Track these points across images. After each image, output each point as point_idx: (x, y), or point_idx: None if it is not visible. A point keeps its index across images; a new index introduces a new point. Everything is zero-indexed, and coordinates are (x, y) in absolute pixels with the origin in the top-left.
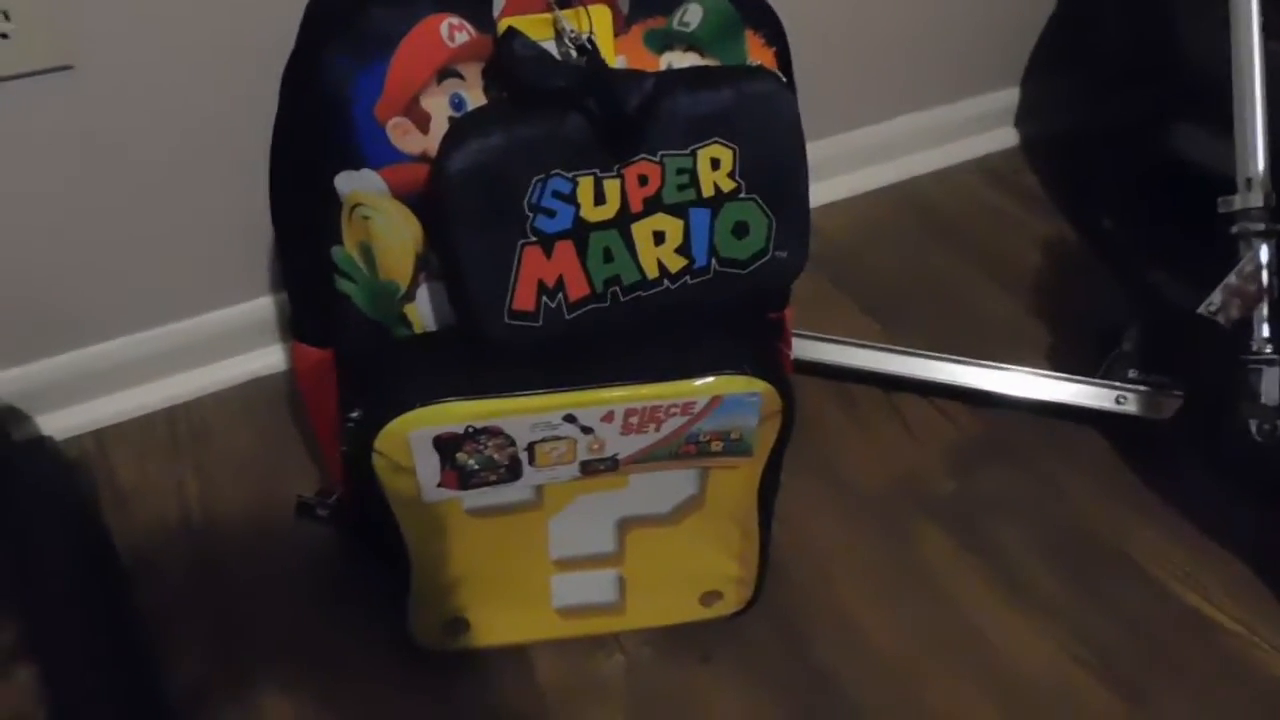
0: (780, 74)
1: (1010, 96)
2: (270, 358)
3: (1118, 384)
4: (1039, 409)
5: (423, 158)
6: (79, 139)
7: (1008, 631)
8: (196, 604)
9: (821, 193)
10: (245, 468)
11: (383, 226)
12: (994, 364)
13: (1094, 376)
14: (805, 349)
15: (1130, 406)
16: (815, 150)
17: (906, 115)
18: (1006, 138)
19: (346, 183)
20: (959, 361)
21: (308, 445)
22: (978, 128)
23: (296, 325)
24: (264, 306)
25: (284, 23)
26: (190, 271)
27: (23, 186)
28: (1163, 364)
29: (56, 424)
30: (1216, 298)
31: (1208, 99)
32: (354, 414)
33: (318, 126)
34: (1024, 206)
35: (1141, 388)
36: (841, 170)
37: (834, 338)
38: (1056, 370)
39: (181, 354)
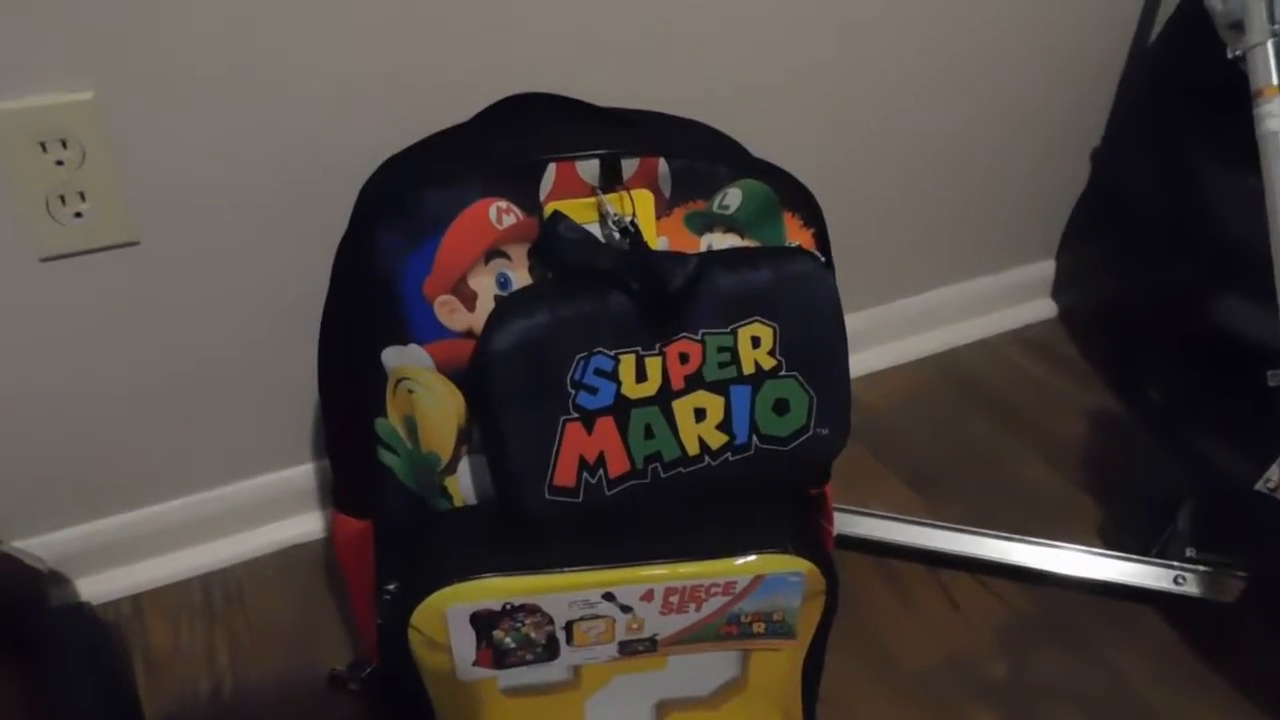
0: (818, 254)
1: (1048, 267)
2: (309, 524)
3: (1175, 564)
4: (1093, 588)
5: (468, 334)
6: (138, 309)
7: None
8: None
9: (862, 363)
10: (279, 636)
11: (427, 400)
12: (1044, 541)
13: (1148, 554)
14: (848, 524)
15: (1190, 588)
16: (855, 321)
17: (946, 287)
18: (1046, 308)
19: (393, 357)
20: (1008, 538)
21: (343, 615)
22: (1017, 298)
23: (337, 495)
24: (305, 473)
25: (339, 202)
26: (235, 437)
27: (81, 355)
28: (1222, 541)
29: (96, 588)
30: (1275, 474)
31: (1246, 268)
32: (390, 586)
33: (368, 302)
34: (1066, 377)
35: (1201, 568)
36: (881, 341)
37: (878, 513)
38: (1108, 547)
39: (221, 519)
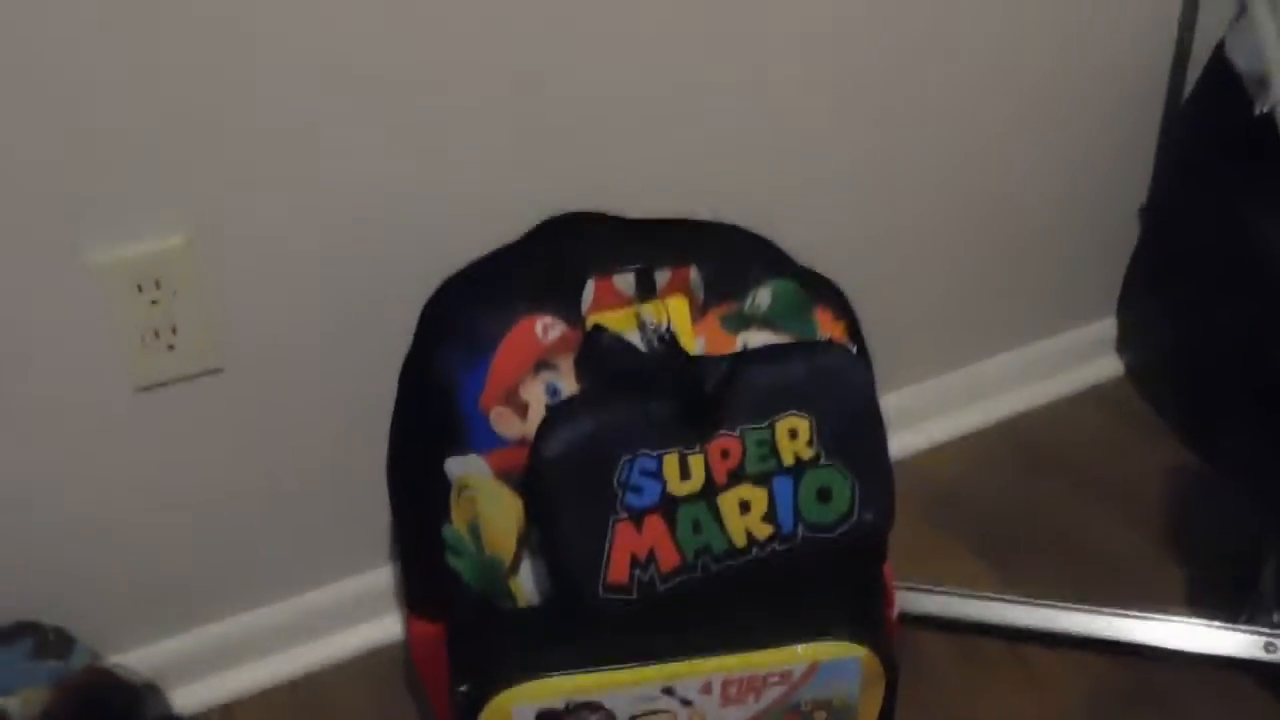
0: (850, 345)
1: (1109, 326)
2: (390, 627)
3: (1263, 630)
4: (1179, 659)
5: (522, 442)
6: (223, 429)
7: None
8: None
9: (924, 437)
10: None
11: (488, 505)
12: (1124, 611)
13: (1236, 618)
14: (918, 602)
15: None
16: (914, 395)
17: (1008, 351)
18: (1111, 366)
19: (455, 466)
20: (1085, 610)
21: (423, 716)
22: (1079, 359)
23: (411, 599)
24: (383, 576)
25: (401, 326)
26: (315, 545)
27: (172, 475)
28: None
29: (188, 699)
30: None
31: None
32: (463, 688)
33: (430, 416)
34: (1137, 434)
35: None
36: (943, 413)
37: (949, 589)
38: (1194, 610)
39: (305, 626)
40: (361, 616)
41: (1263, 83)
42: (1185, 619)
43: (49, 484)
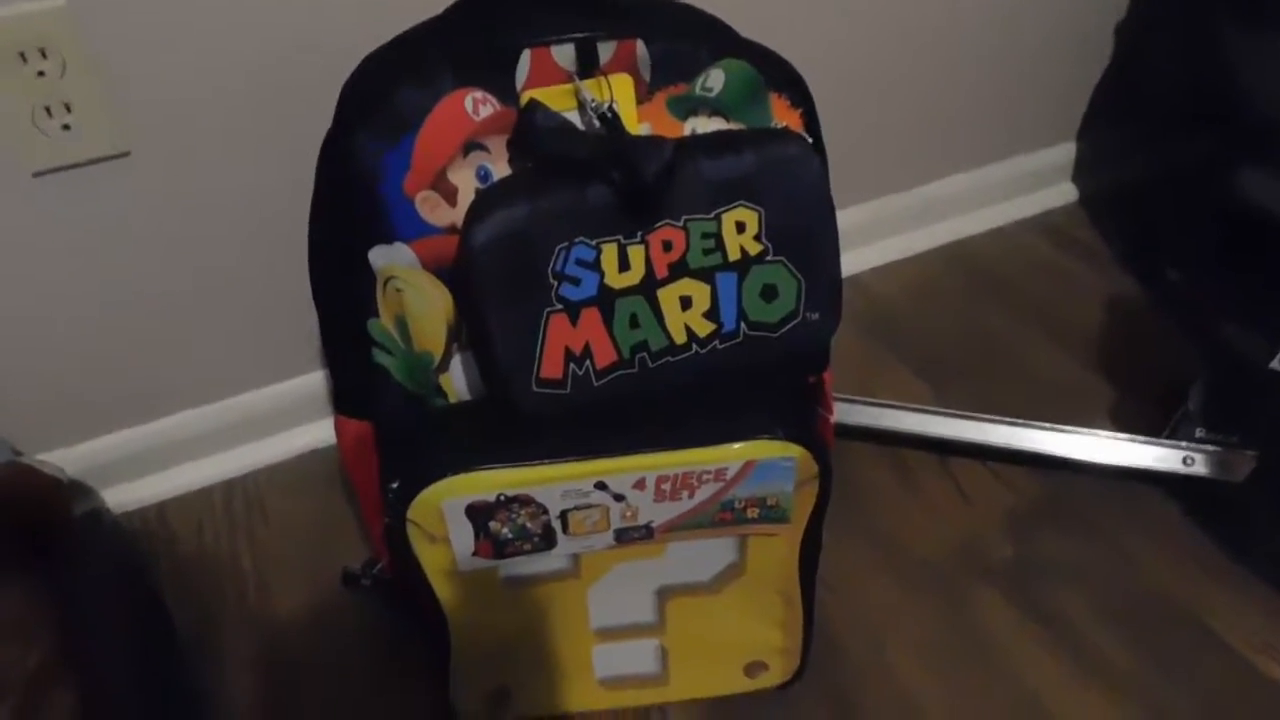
0: (806, 135)
1: (1067, 151)
2: (325, 431)
3: (1184, 444)
4: (1102, 472)
5: (451, 230)
6: (134, 223)
7: (1075, 706)
8: (247, 673)
9: (873, 254)
10: (298, 539)
11: (415, 299)
12: (1051, 425)
13: (1160, 437)
14: (854, 414)
15: (1199, 468)
16: (865, 211)
17: (960, 174)
18: (1065, 193)
19: (379, 257)
20: (1014, 424)
21: (357, 517)
22: (1034, 184)
23: (337, 398)
24: (316, 381)
25: (322, 106)
26: (244, 348)
27: (84, 270)
28: (1234, 422)
29: (121, 497)
30: None
31: (1272, 142)
32: (394, 485)
33: (351, 203)
34: (1085, 263)
35: (1210, 448)
36: (893, 231)
37: (883, 402)
38: (1121, 431)
39: (238, 429)
40: (296, 420)
41: None
42: (1111, 433)
43: None
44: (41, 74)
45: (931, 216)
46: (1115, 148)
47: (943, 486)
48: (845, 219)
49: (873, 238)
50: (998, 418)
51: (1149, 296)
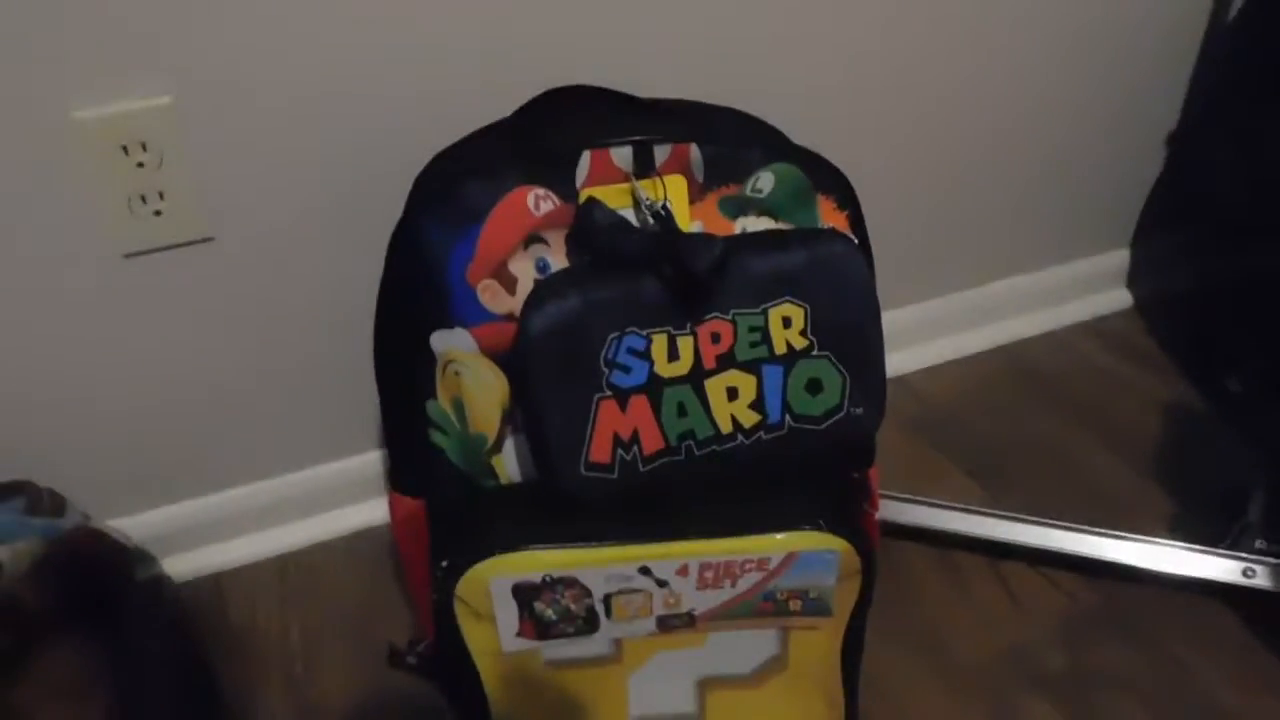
0: (852, 236)
1: (1122, 257)
2: (376, 511)
3: (1245, 555)
4: (1159, 581)
5: (509, 317)
6: (213, 302)
7: None
8: None
9: (926, 355)
10: (346, 616)
11: (473, 382)
12: (1107, 531)
13: (1218, 546)
14: (904, 513)
15: (1260, 580)
16: (919, 311)
17: (1014, 277)
18: (1119, 299)
19: (441, 341)
20: (1069, 528)
21: (405, 595)
22: (1088, 289)
23: (393, 475)
24: (372, 461)
25: (392, 196)
26: (305, 426)
27: (161, 346)
28: None
29: (179, 566)
30: None
31: None
32: (443, 563)
33: (416, 289)
34: (1139, 368)
35: (1272, 560)
36: (945, 333)
37: (934, 501)
38: (1177, 539)
39: (294, 505)
40: (351, 498)
41: None
42: (1167, 542)
43: (36, 349)
44: (140, 165)
45: (985, 318)
46: (1170, 255)
47: (993, 590)
48: (899, 318)
49: (925, 338)
50: (1052, 521)
51: (1206, 403)
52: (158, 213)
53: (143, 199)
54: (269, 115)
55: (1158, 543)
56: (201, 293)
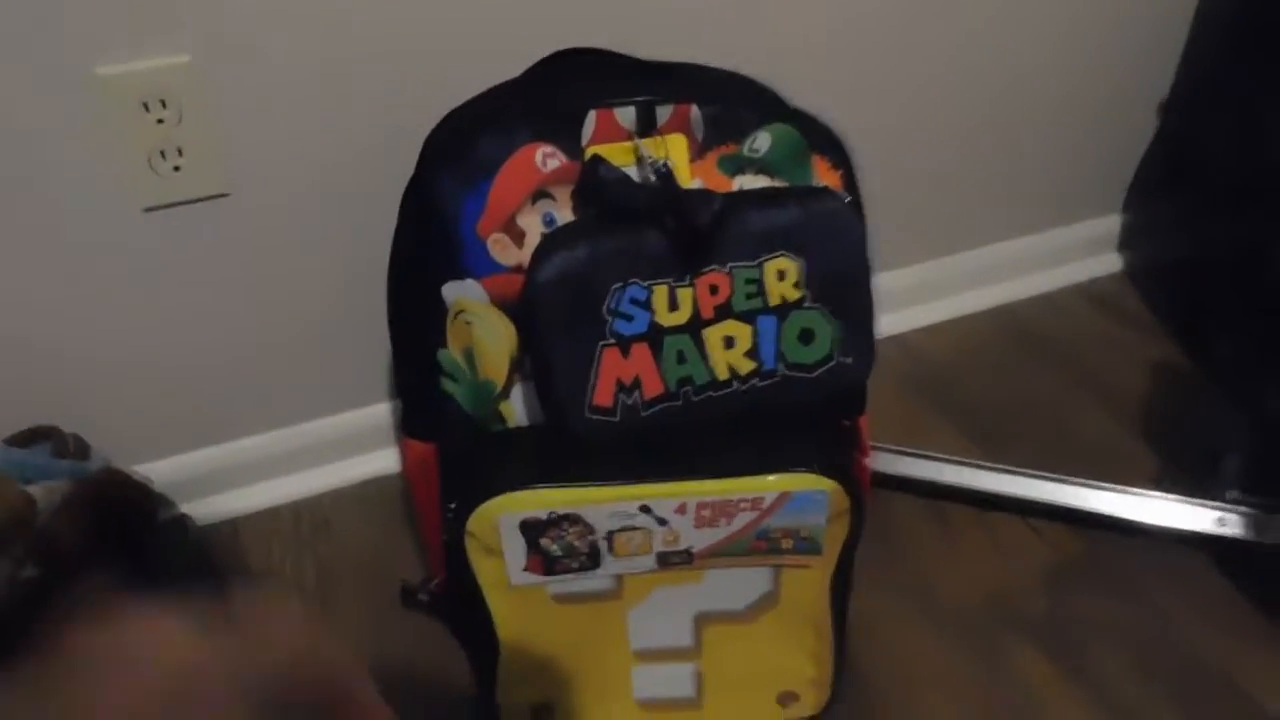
0: (844, 193)
1: (1114, 221)
2: (389, 459)
3: (1219, 505)
4: (1138, 531)
5: (518, 269)
6: (228, 255)
7: None
8: None
9: (923, 315)
10: (359, 558)
11: (483, 331)
12: (1088, 482)
13: (1194, 496)
14: (896, 464)
15: (1232, 529)
16: (917, 273)
17: (1010, 240)
18: (1112, 262)
19: (452, 291)
20: (1051, 479)
21: (415, 540)
22: (1082, 253)
23: (406, 422)
24: (384, 411)
25: (405, 153)
26: (320, 375)
27: (179, 298)
28: (1271, 488)
29: (196, 512)
30: None
31: None
32: (453, 505)
33: (429, 241)
34: (1131, 330)
35: (1244, 509)
36: (943, 294)
37: (924, 453)
38: (1159, 492)
39: (308, 453)
40: (363, 447)
41: None
42: (1147, 492)
43: (59, 300)
44: (160, 121)
45: (982, 280)
46: (1161, 221)
47: (980, 539)
48: (899, 279)
49: (923, 299)
50: (1035, 472)
51: (1194, 365)
52: (176, 168)
53: (162, 154)
54: (284, 74)
55: (1137, 493)
56: (218, 247)
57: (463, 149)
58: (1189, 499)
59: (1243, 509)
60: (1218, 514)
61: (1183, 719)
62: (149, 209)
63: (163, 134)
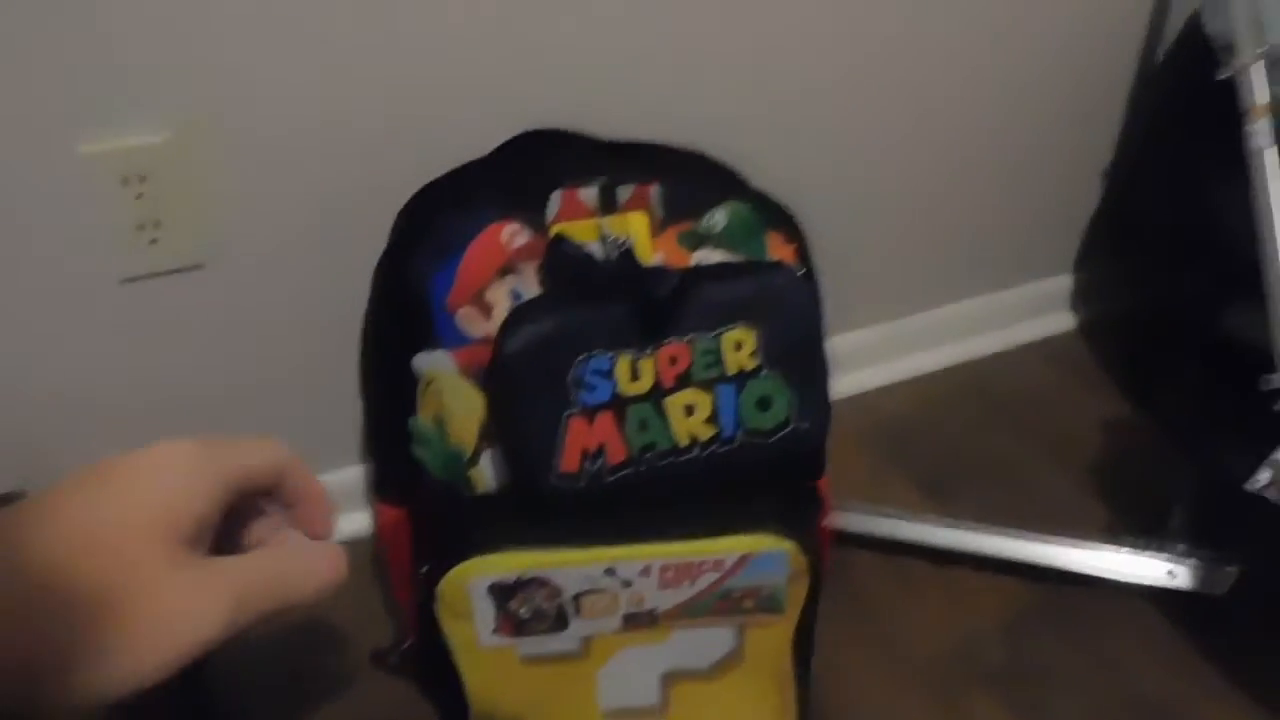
0: (799, 266)
1: (1067, 281)
2: (361, 522)
3: (1168, 557)
4: (1093, 583)
5: (486, 340)
6: (202, 324)
7: None
8: None
9: (882, 374)
10: (331, 620)
11: (453, 399)
12: (1043, 536)
13: (1146, 549)
14: (857, 522)
15: (1182, 580)
16: (874, 334)
17: (965, 300)
18: (1065, 321)
19: (423, 362)
20: (1007, 533)
21: (387, 602)
22: (1037, 311)
23: (379, 486)
24: (355, 476)
25: (376, 229)
26: (292, 441)
27: (155, 365)
28: (1217, 538)
29: None
30: (1264, 474)
31: (1252, 279)
32: (424, 568)
33: (400, 315)
34: (1084, 387)
35: (1192, 562)
36: (901, 354)
37: (884, 510)
38: (1110, 545)
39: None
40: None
41: (1229, 49)
42: (1099, 545)
43: (36, 367)
44: (140, 196)
45: (938, 340)
46: (1110, 280)
47: (939, 592)
48: (859, 339)
49: (881, 359)
50: (990, 527)
51: (1142, 419)
52: (154, 241)
53: (139, 227)
54: (259, 151)
55: (1090, 546)
56: (192, 316)
57: (433, 226)
58: (1140, 551)
59: (1191, 561)
60: (1168, 566)
61: None
62: (126, 280)
63: (142, 208)
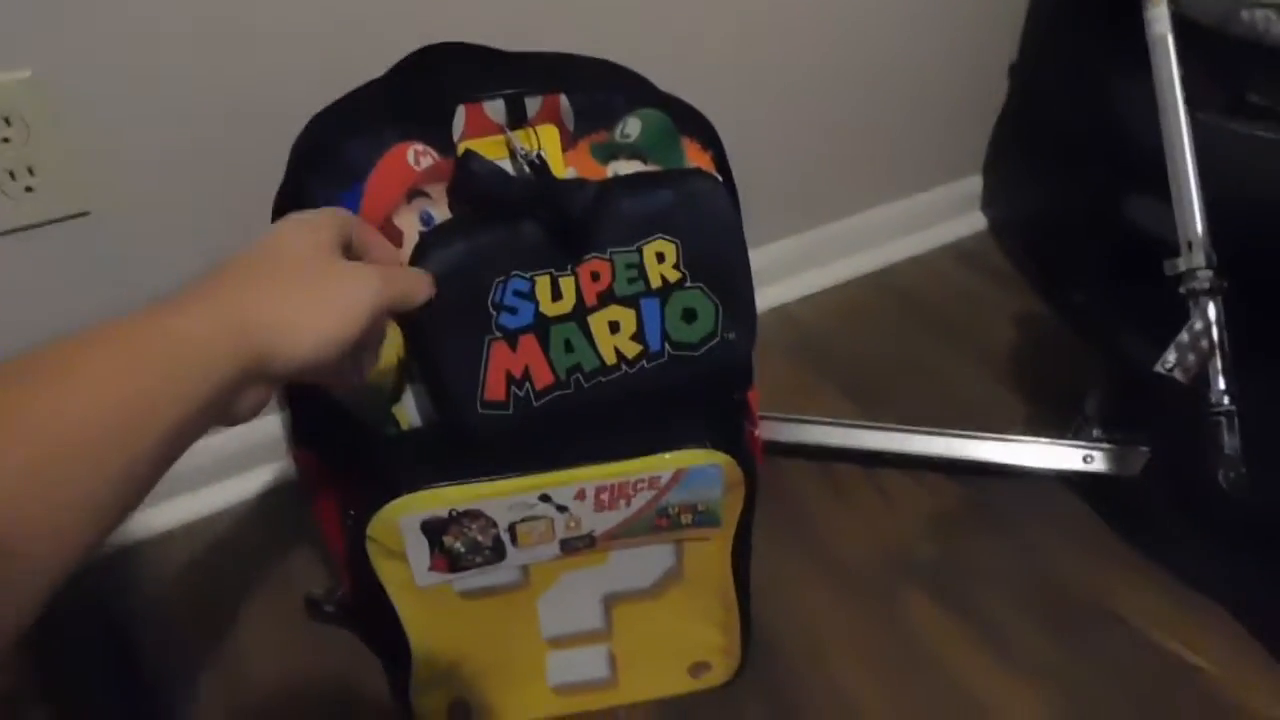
0: (716, 174)
1: (976, 182)
2: (282, 470)
3: (1083, 444)
4: (1014, 474)
5: None
6: (91, 277)
7: (998, 693)
8: (218, 704)
9: (800, 285)
10: (262, 574)
11: None
12: (964, 432)
13: (1062, 438)
14: (785, 432)
15: (1098, 465)
16: (792, 245)
17: (879, 207)
18: (977, 222)
19: None
20: (929, 433)
21: (317, 549)
22: (948, 214)
23: (298, 434)
24: (273, 424)
25: (273, 159)
26: None
27: (43, 323)
28: (1128, 422)
29: None
30: (1170, 356)
31: (1152, 171)
32: (352, 511)
33: None
34: (996, 286)
35: (1106, 446)
36: (820, 262)
37: (811, 418)
38: (1031, 434)
39: (200, 473)
40: (256, 461)
41: None
42: (1018, 438)
43: None
44: (7, 140)
45: (855, 247)
46: (1017, 180)
47: (869, 495)
48: (776, 251)
49: (800, 269)
50: (914, 428)
51: (1054, 314)
52: (29, 189)
53: (11, 175)
54: (138, 84)
55: (1009, 439)
56: (81, 268)
57: (332, 153)
58: (1057, 440)
59: (1105, 445)
60: (1084, 452)
61: (1060, 646)
62: (2, 233)
63: (11, 153)
